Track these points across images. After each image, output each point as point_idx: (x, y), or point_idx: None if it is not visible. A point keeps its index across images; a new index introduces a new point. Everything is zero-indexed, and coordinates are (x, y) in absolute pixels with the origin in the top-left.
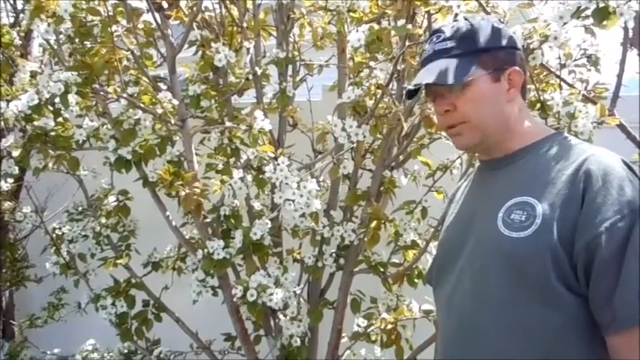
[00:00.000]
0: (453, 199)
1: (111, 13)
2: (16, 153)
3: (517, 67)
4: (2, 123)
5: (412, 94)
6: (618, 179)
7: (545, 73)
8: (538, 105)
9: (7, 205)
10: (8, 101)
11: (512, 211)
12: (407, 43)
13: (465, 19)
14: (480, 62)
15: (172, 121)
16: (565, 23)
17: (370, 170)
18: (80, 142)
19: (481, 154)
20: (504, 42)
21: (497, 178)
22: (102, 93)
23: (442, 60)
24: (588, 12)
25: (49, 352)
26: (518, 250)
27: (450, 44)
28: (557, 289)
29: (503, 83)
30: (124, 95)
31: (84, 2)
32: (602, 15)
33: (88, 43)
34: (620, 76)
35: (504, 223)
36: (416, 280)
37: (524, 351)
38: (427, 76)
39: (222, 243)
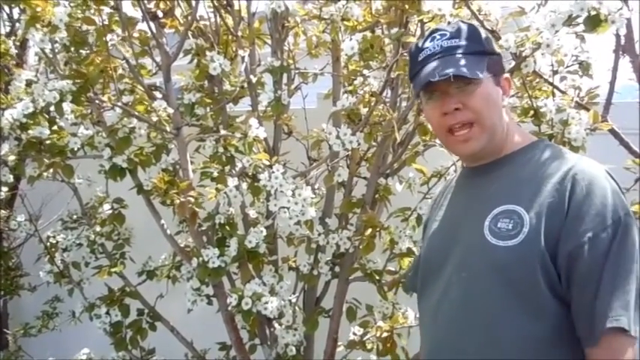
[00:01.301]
0: (436, 205)
1: (106, 22)
2: (11, 161)
3: (507, 75)
4: None
5: (424, 88)
6: (602, 189)
7: (537, 80)
8: (531, 112)
9: (1, 213)
10: (4, 109)
11: (499, 220)
12: (400, 51)
13: (462, 22)
14: (486, 63)
15: (167, 130)
16: (557, 31)
17: (365, 178)
18: (75, 150)
19: (470, 161)
20: (495, 48)
21: (484, 185)
22: (97, 101)
23: (453, 56)
24: (580, 19)
25: None
26: (507, 258)
27: (459, 42)
28: (546, 297)
29: (499, 88)
30: (119, 104)
31: (79, 12)
32: (594, 23)
33: (83, 52)
34: (612, 83)
35: (491, 232)
36: None
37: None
38: (445, 68)
39: (217, 251)
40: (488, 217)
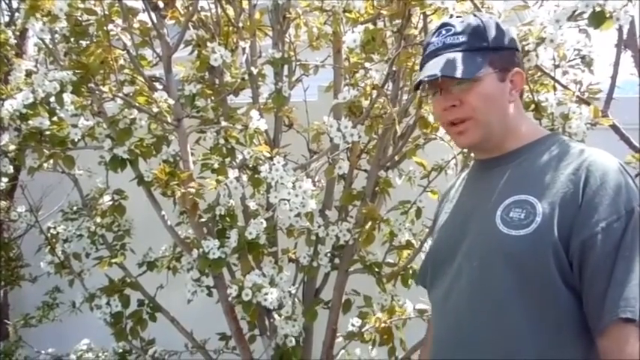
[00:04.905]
0: (446, 198)
1: (107, 13)
2: (11, 151)
3: (519, 69)
4: None
5: (419, 85)
6: (616, 180)
7: (539, 74)
8: (532, 106)
9: (1, 204)
10: (3, 100)
11: (511, 210)
12: (402, 44)
13: (474, 15)
14: (489, 60)
15: (168, 121)
16: (561, 27)
17: (365, 170)
18: (75, 141)
19: (478, 153)
20: (507, 42)
21: (494, 177)
22: (97, 92)
23: (453, 53)
24: (584, 15)
25: (43, 352)
26: (519, 248)
27: (461, 38)
28: (557, 286)
29: (507, 83)
30: (120, 95)
31: (79, 1)
32: (599, 19)
33: (83, 43)
34: (614, 78)
35: (503, 221)
36: (410, 281)
37: (521, 350)
38: (438, 67)
39: (217, 242)
40: (500, 207)
